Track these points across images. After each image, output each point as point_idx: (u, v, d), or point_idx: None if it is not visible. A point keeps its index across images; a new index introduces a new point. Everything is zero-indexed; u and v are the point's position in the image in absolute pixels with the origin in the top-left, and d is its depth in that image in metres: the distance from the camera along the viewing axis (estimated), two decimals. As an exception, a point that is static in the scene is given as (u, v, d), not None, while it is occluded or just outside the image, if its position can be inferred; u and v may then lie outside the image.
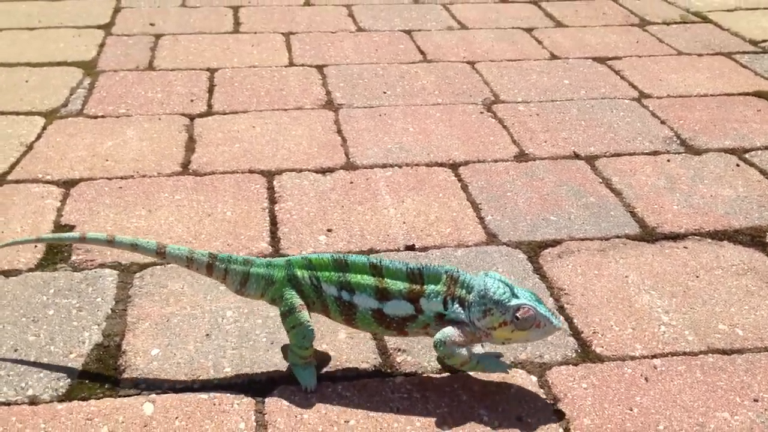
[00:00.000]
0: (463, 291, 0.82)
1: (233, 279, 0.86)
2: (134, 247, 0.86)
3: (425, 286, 0.82)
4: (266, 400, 0.85)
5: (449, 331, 0.81)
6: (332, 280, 0.83)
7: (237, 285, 0.86)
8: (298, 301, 0.84)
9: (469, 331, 0.82)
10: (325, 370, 0.89)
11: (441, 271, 0.82)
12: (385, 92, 1.67)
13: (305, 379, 0.86)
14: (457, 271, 0.82)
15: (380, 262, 0.83)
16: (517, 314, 0.79)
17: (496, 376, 0.88)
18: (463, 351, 0.82)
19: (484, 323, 0.80)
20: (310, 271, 0.84)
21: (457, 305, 0.81)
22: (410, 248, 1.13)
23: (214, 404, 0.84)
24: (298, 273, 0.84)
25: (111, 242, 0.86)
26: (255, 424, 0.81)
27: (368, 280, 0.83)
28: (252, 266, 0.86)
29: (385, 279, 0.82)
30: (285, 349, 0.90)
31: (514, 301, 0.80)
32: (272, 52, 1.89)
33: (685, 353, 0.92)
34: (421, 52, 1.90)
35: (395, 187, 1.29)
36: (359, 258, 0.83)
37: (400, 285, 0.82)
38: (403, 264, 0.83)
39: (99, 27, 2.04)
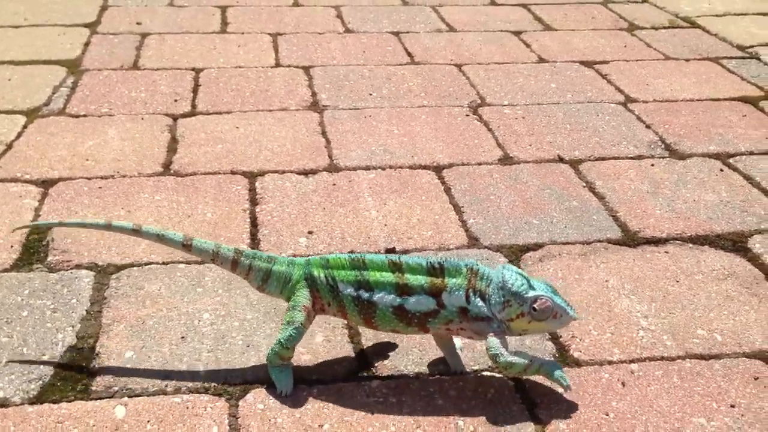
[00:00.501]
0: (483, 284, 0.81)
1: (256, 275, 0.86)
2: (160, 238, 0.85)
3: (446, 280, 0.81)
4: (240, 403, 0.84)
5: (494, 342, 0.80)
6: (349, 279, 0.82)
7: (259, 281, 0.86)
8: (304, 301, 0.83)
9: (499, 327, 0.81)
10: (300, 373, 0.88)
11: (461, 265, 0.81)
12: (371, 94, 1.66)
13: (281, 381, 0.85)
14: (477, 264, 0.82)
15: (399, 258, 0.82)
16: (535, 305, 0.79)
17: (472, 380, 0.88)
18: (521, 358, 0.81)
19: (503, 315, 0.80)
20: (327, 270, 0.83)
21: (479, 299, 0.81)
22: (390, 251, 1.12)
23: (187, 407, 0.83)
24: (315, 273, 0.84)
25: (137, 232, 0.85)
26: (228, 428, 0.81)
27: (388, 276, 0.81)
28: (274, 264, 0.85)
29: (406, 275, 0.81)
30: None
31: (531, 293, 0.79)
32: (259, 52, 1.88)
33: (662, 358, 0.92)
34: (409, 54, 1.90)
35: (378, 190, 1.28)
36: (377, 256, 0.83)
37: (422, 279, 0.81)
38: (422, 259, 0.82)
39: (85, 25, 2.03)
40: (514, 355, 0.81)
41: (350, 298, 0.82)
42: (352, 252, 1.10)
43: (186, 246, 0.85)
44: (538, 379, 0.87)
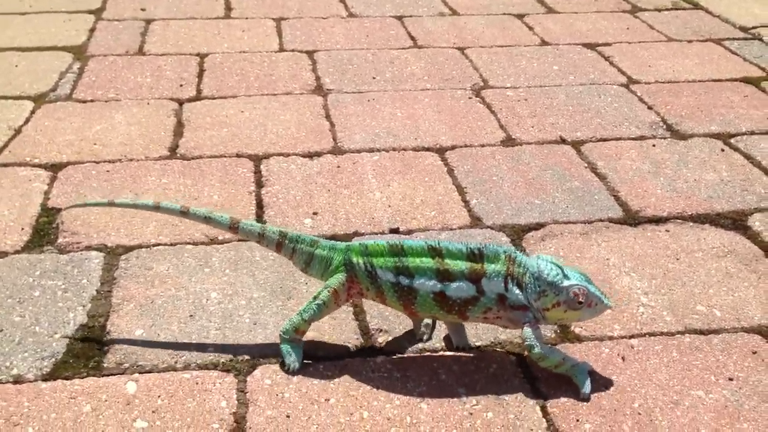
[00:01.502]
0: (521, 270, 0.81)
1: (299, 258, 0.87)
2: (207, 220, 0.87)
3: (486, 266, 0.82)
4: (248, 378, 0.86)
5: (529, 333, 0.82)
6: (388, 266, 0.83)
7: (302, 264, 0.88)
8: (335, 284, 0.85)
9: (533, 316, 0.82)
10: (306, 350, 0.90)
11: (500, 251, 0.82)
12: (374, 78, 1.67)
13: (290, 356, 0.87)
14: (515, 252, 0.82)
15: (439, 243, 0.82)
16: (570, 295, 0.80)
17: (475, 355, 0.89)
18: (557, 354, 0.83)
19: (539, 304, 0.81)
20: (366, 257, 0.84)
21: (516, 287, 0.81)
22: (395, 231, 1.14)
23: (197, 383, 0.85)
24: (354, 259, 0.84)
25: (185, 213, 0.87)
26: (237, 402, 0.83)
27: (428, 262, 0.82)
28: (317, 248, 0.87)
29: (446, 260, 0.82)
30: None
31: (566, 282, 0.80)
32: (263, 37, 1.89)
33: (662, 333, 0.93)
34: (412, 38, 1.91)
35: (381, 171, 1.29)
36: (416, 242, 0.83)
37: (462, 265, 0.82)
38: (462, 244, 0.82)
39: (90, 12, 2.04)
40: (550, 349, 0.83)
41: (389, 284, 0.83)
42: (356, 233, 1.12)
43: (233, 228, 0.87)
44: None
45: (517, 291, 0.81)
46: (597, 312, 0.82)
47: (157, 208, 0.88)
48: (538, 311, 0.82)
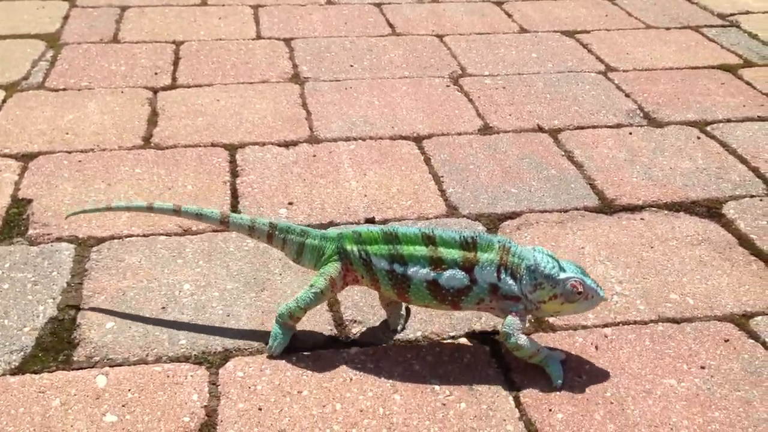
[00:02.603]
0: (516, 261, 0.81)
1: (290, 248, 0.87)
2: (199, 216, 0.88)
3: (479, 254, 0.81)
4: (220, 371, 0.85)
5: (511, 321, 0.81)
6: (382, 253, 0.82)
7: (294, 254, 0.87)
8: (332, 271, 0.84)
9: (525, 306, 0.82)
10: (280, 341, 0.90)
11: (494, 240, 0.81)
12: (352, 66, 1.66)
13: (276, 340, 0.86)
14: (509, 242, 0.82)
15: (432, 231, 0.82)
16: (568, 287, 0.80)
17: (449, 345, 0.89)
18: (532, 344, 0.82)
19: (534, 297, 0.81)
20: (360, 245, 0.83)
21: (509, 277, 0.81)
22: (370, 221, 1.13)
23: (168, 376, 0.84)
24: (348, 247, 0.84)
25: (177, 212, 0.88)
26: (208, 395, 0.82)
27: (421, 250, 0.81)
28: (307, 237, 0.86)
29: (439, 248, 0.81)
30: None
31: (562, 275, 0.80)
32: (240, 24, 1.87)
33: (635, 322, 0.94)
34: (390, 26, 1.89)
35: (358, 161, 1.29)
36: (410, 229, 0.82)
37: (455, 253, 0.81)
38: (456, 232, 0.82)
39: (64, -1, 2.01)
40: (527, 340, 0.82)
41: (384, 272, 0.83)
42: (332, 223, 1.11)
43: (224, 222, 0.87)
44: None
45: (511, 281, 0.81)
46: (593, 304, 0.82)
47: (150, 208, 0.88)
48: (532, 303, 0.81)
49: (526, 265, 0.81)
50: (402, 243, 0.82)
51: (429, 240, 0.82)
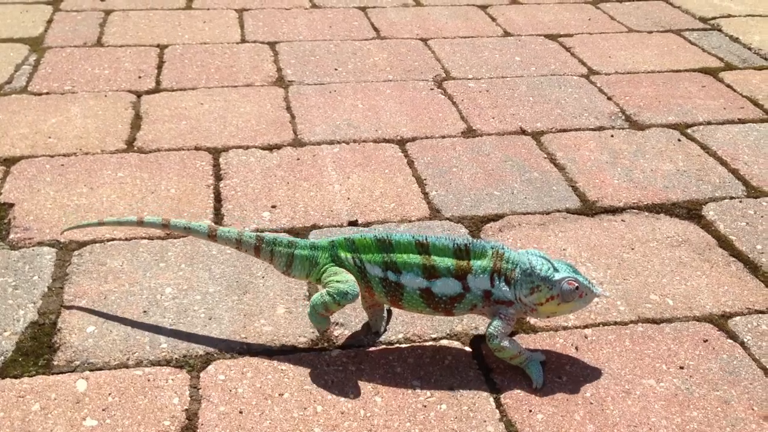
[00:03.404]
0: (509, 266, 0.81)
1: (279, 261, 0.86)
2: (187, 230, 0.87)
3: (472, 262, 0.81)
4: (201, 374, 0.85)
5: (498, 324, 0.82)
6: (377, 260, 0.82)
7: (283, 266, 0.86)
8: (343, 270, 0.83)
9: (516, 311, 0.82)
10: (262, 342, 0.90)
11: (487, 247, 0.82)
12: (336, 69, 1.66)
13: (318, 322, 0.85)
14: (503, 247, 0.82)
15: (426, 239, 0.82)
16: (564, 287, 0.80)
17: (430, 347, 0.90)
18: (514, 346, 0.83)
19: (531, 299, 0.81)
20: (354, 252, 0.83)
21: (503, 283, 0.81)
22: (353, 224, 1.13)
23: (149, 380, 0.84)
24: (342, 254, 0.84)
25: (166, 226, 0.88)
26: (189, 398, 0.82)
27: (415, 258, 0.82)
28: (296, 248, 0.85)
29: (432, 256, 0.81)
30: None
31: (557, 275, 0.80)
32: (224, 28, 1.87)
33: (615, 323, 0.94)
34: (375, 29, 1.90)
35: (341, 164, 1.29)
36: (404, 236, 0.82)
37: (448, 262, 0.81)
38: (449, 240, 0.82)
39: (48, 3, 2.01)
40: (510, 342, 0.83)
41: (378, 279, 0.83)
42: (315, 226, 1.12)
43: (211, 236, 0.87)
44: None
45: (504, 287, 0.81)
46: (587, 301, 0.83)
47: (140, 223, 0.88)
48: (528, 306, 0.82)
49: (521, 269, 0.81)
50: (396, 251, 0.82)
51: (422, 248, 0.82)
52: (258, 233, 0.87)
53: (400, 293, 0.83)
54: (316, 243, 0.85)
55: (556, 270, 0.81)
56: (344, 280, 0.83)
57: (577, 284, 0.81)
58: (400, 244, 0.82)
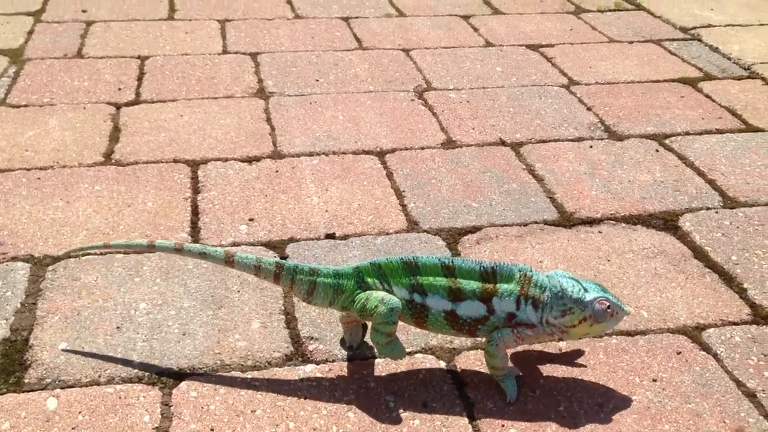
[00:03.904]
0: (537, 291, 0.81)
1: (300, 288, 0.85)
2: (203, 255, 0.85)
3: (498, 285, 0.81)
4: (174, 391, 0.85)
5: (507, 335, 0.81)
6: (404, 283, 0.82)
7: (304, 294, 0.85)
8: (371, 291, 0.83)
9: (534, 333, 0.82)
10: (235, 358, 0.89)
11: (515, 270, 0.82)
12: (317, 80, 1.66)
13: (392, 351, 0.84)
14: (531, 270, 0.82)
15: (452, 261, 0.82)
16: (596, 307, 0.80)
17: (405, 361, 0.89)
18: (504, 360, 0.83)
19: (563, 321, 0.81)
20: (380, 277, 0.83)
21: (530, 306, 0.81)
22: (330, 237, 1.13)
23: (120, 397, 0.83)
24: (369, 280, 0.83)
25: (179, 250, 0.85)
26: (160, 416, 0.81)
27: (441, 281, 0.82)
28: (318, 276, 0.84)
29: (458, 279, 0.82)
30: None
31: (588, 296, 0.80)
32: (206, 39, 1.87)
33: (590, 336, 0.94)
34: (357, 40, 1.90)
35: (320, 176, 1.29)
36: (430, 259, 0.82)
37: (474, 285, 0.81)
38: (476, 263, 0.82)
39: (29, 14, 2.00)
40: (503, 355, 0.83)
41: (404, 302, 0.83)
42: (291, 237, 1.11)
43: (228, 262, 0.85)
44: (468, 363, 0.90)
45: (531, 310, 0.81)
46: (618, 320, 0.82)
47: (152, 247, 0.86)
48: (558, 328, 0.81)
49: (551, 292, 0.81)
50: (422, 273, 0.82)
51: (448, 270, 0.82)
52: (278, 260, 0.85)
53: (425, 315, 0.83)
54: (340, 270, 0.85)
55: (585, 290, 0.81)
56: (378, 301, 0.82)
57: (608, 303, 0.81)
58: (426, 266, 0.82)
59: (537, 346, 0.92)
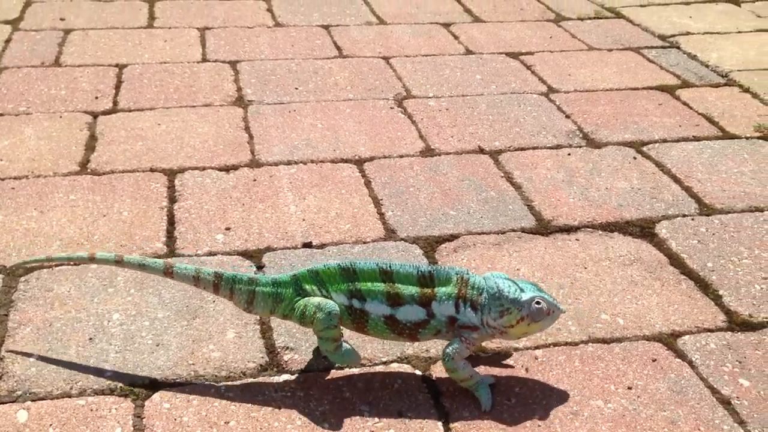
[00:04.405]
0: (475, 293, 0.81)
1: (239, 298, 0.85)
2: (142, 267, 0.85)
3: (436, 289, 0.82)
4: (146, 403, 0.84)
5: (457, 346, 0.82)
6: (342, 289, 0.83)
7: (244, 303, 0.85)
8: (308, 298, 0.83)
9: (480, 335, 0.82)
10: (210, 369, 0.88)
11: (452, 273, 0.82)
12: (297, 88, 1.66)
13: (342, 357, 0.85)
14: (467, 273, 0.82)
15: (390, 266, 0.82)
16: (533, 307, 0.80)
17: (380, 371, 0.89)
18: (467, 370, 0.83)
19: (501, 322, 0.81)
20: (318, 284, 0.83)
21: (470, 308, 0.81)
22: (307, 245, 1.13)
23: (91, 409, 0.82)
24: (307, 287, 0.83)
25: (119, 262, 0.85)
26: (132, 428, 0.80)
27: (379, 286, 0.82)
28: (257, 285, 0.84)
29: (396, 284, 0.82)
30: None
31: (525, 296, 0.81)
32: (185, 47, 1.86)
33: (566, 343, 0.94)
34: (338, 48, 1.90)
35: (298, 184, 1.28)
36: (368, 264, 0.82)
37: (412, 289, 0.82)
38: (413, 267, 0.82)
39: (7, 22, 1.98)
40: (464, 365, 0.83)
41: (343, 307, 0.83)
42: (266, 247, 1.11)
43: (167, 273, 0.85)
44: (444, 372, 0.89)
45: (471, 313, 0.81)
46: (554, 319, 0.83)
47: (92, 259, 0.86)
48: (497, 329, 0.82)
49: (488, 294, 0.81)
50: (360, 279, 0.82)
51: (386, 275, 0.82)
52: (216, 270, 0.85)
53: (364, 320, 0.83)
54: (278, 279, 0.85)
55: (522, 290, 0.81)
56: (314, 308, 0.82)
57: (544, 303, 0.81)
58: (364, 272, 0.82)
59: (513, 355, 0.92)
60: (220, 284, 0.85)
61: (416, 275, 0.82)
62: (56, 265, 1.05)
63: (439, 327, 0.82)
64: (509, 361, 0.91)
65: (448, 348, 0.82)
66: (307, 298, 0.83)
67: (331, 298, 0.83)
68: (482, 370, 0.89)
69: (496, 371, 0.89)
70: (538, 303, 0.81)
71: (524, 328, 0.82)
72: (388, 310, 0.82)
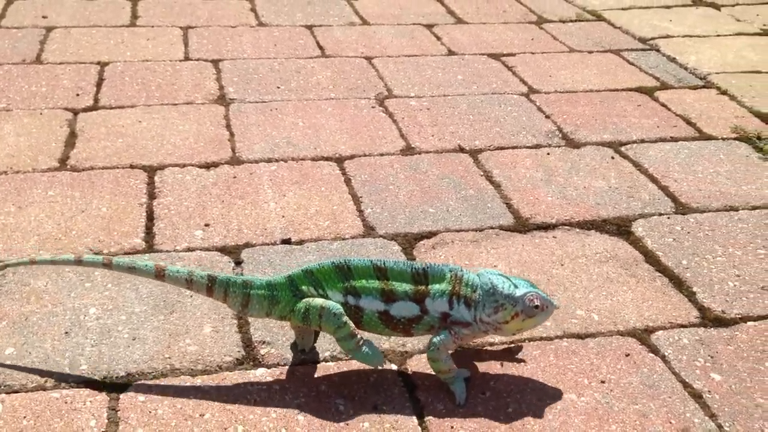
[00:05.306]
0: (469, 290, 0.82)
1: (234, 301, 0.85)
2: (132, 270, 0.84)
3: (430, 286, 0.82)
4: (121, 396, 0.84)
5: (444, 338, 0.82)
6: (337, 287, 0.83)
7: (239, 306, 0.85)
8: (308, 300, 0.83)
9: (471, 332, 0.83)
10: (186, 362, 0.89)
11: (446, 270, 0.83)
12: (279, 87, 1.66)
13: (365, 356, 0.84)
14: (461, 270, 0.83)
15: (384, 263, 0.83)
16: (526, 302, 0.81)
17: (356, 365, 0.89)
18: (448, 362, 0.83)
19: (496, 318, 0.82)
20: (314, 284, 0.84)
21: (463, 305, 0.82)
22: (286, 242, 1.13)
23: (66, 402, 0.82)
24: (303, 288, 0.84)
25: (108, 265, 0.84)
26: (107, 421, 0.80)
27: (374, 283, 0.83)
28: (252, 288, 0.84)
29: (391, 281, 0.83)
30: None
31: (519, 292, 0.81)
32: (168, 46, 1.86)
33: (541, 338, 0.95)
34: (320, 47, 1.91)
35: (278, 182, 1.29)
36: (362, 262, 0.83)
37: (406, 286, 0.82)
38: (407, 265, 0.83)
39: (-12, 19, 1.98)
40: (446, 357, 0.83)
41: (339, 304, 0.83)
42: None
43: (159, 275, 0.84)
44: (420, 366, 0.90)
45: (464, 309, 0.82)
46: (548, 314, 0.84)
47: (79, 262, 0.85)
48: (491, 325, 0.82)
49: (482, 290, 0.82)
50: (355, 276, 0.83)
51: (381, 273, 0.83)
52: (210, 273, 0.85)
53: (359, 316, 0.84)
54: (273, 281, 0.85)
55: (516, 287, 0.82)
56: (317, 311, 0.82)
57: (538, 298, 0.82)
58: (358, 269, 0.83)
59: (488, 349, 0.93)
60: (214, 287, 0.85)
61: (410, 273, 0.83)
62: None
63: (432, 323, 0.83)
64: (484, 356, 0.92)
65: (436, 338, 0.83)
66: (306, 300, 0.83)
67: (327, 297, 0.83)
68: (458, 363, 0.90)
69: (472, 366, 0.90)
70: (531, 299, 0.81)
71: (519, 324, 0.83)
72: (382, 305, 0.83)
